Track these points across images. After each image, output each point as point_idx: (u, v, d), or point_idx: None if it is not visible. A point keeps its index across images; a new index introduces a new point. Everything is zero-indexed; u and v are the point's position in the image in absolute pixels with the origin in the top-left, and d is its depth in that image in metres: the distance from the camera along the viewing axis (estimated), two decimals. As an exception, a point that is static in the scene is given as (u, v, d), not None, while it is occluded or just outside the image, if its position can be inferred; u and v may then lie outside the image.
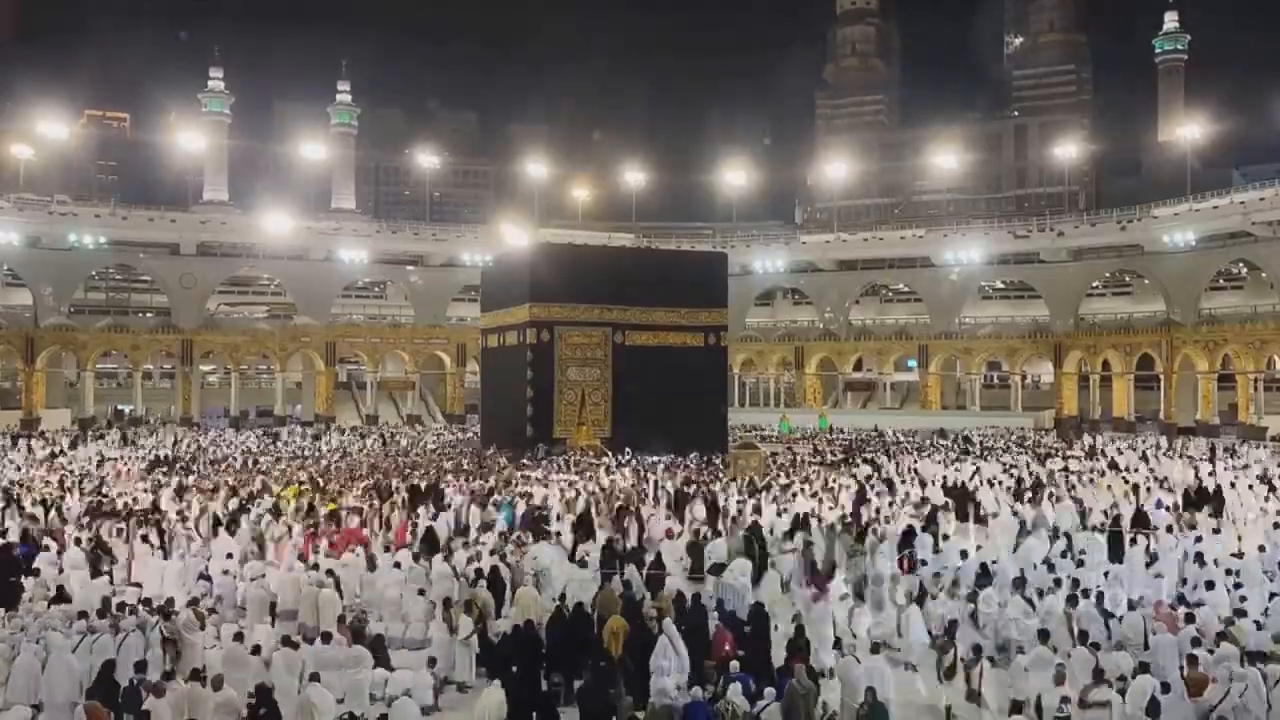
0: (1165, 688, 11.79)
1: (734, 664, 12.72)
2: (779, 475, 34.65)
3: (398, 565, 19.05)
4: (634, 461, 38.95)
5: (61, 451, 45.53)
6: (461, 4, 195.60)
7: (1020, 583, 17.12)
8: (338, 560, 19.47)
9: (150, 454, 44.07)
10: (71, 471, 36.68)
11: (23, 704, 12.05)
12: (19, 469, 38.32)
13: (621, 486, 30.90)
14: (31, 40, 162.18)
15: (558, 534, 23.48)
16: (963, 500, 27.99)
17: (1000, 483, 32.44)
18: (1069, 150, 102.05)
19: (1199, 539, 21.56)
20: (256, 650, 13.56)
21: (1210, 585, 16.82)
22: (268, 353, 72.99)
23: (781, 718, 11.45)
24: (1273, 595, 16.31)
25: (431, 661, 13.99)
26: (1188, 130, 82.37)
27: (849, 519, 24.47)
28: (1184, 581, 18.15)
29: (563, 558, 20.56)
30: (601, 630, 14.86)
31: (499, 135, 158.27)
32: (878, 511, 26.08)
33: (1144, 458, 42.76)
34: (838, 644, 14.80)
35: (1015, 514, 25.49)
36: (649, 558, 20.26)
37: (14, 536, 21.47)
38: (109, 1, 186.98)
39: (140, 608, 15.58)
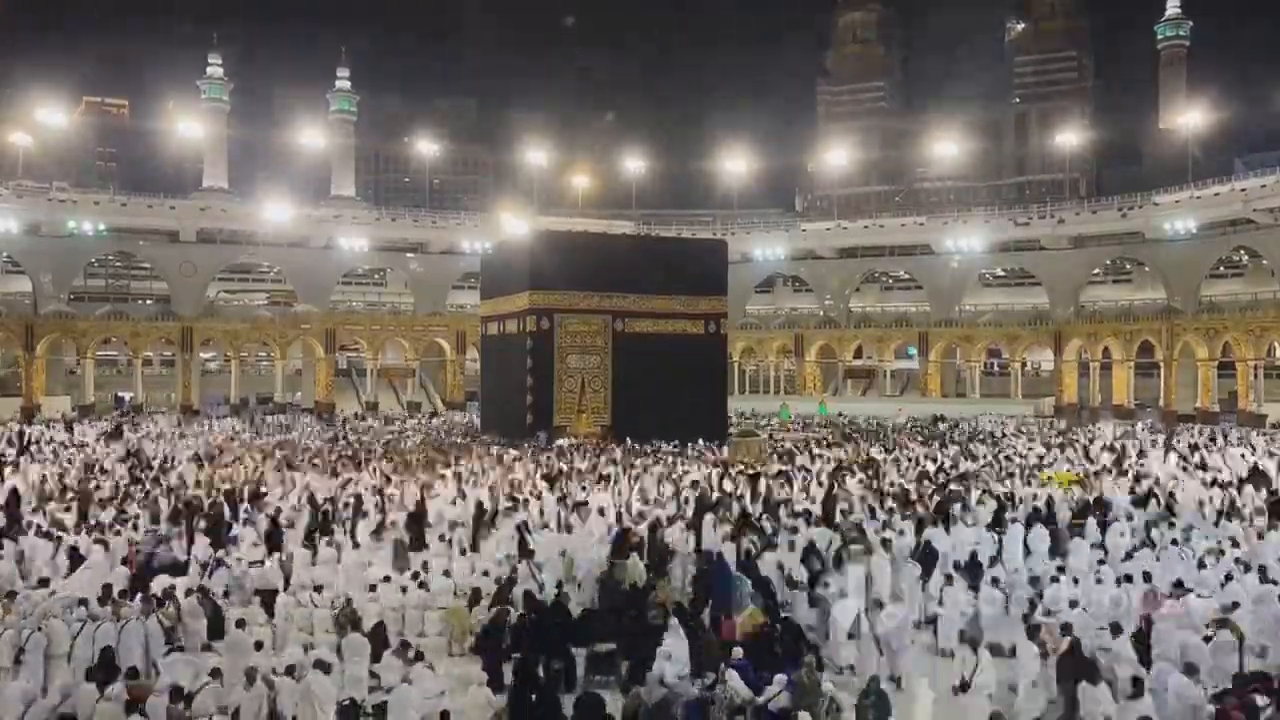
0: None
1: (737, 651, 12.75)
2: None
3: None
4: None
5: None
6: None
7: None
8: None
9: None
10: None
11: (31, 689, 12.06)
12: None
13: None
14: (30, 27, 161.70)
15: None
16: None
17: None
18: (1070, 137, 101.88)
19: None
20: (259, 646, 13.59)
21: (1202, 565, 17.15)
22: (267, 340, 72.97)
23: (791, 708, 11.45)
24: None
25: (420, 656, 13.82)
26: (1189, 118, 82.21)
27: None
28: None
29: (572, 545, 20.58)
30: (602, 618, 14.93)
31: (499, 122, 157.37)
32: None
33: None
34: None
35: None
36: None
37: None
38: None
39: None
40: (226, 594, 17.25)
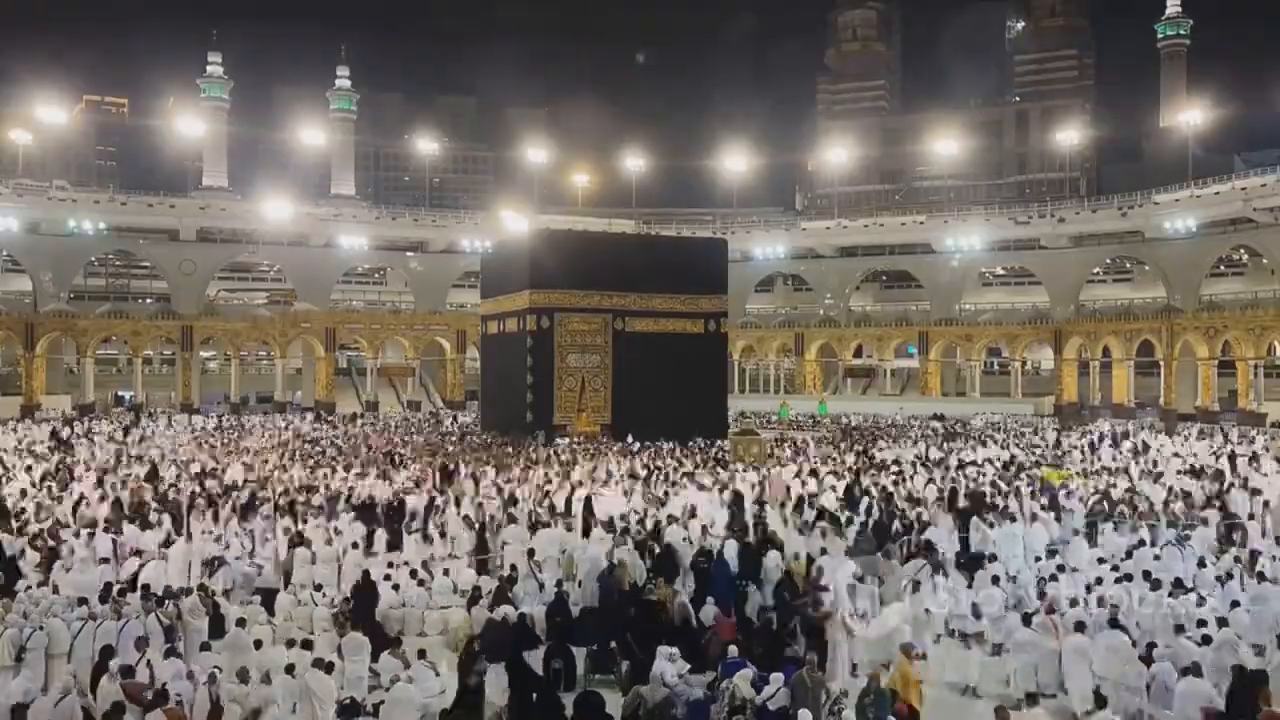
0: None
1: (732, 649, 12.75)
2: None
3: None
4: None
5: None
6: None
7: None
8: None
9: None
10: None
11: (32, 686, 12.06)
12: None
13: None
14: (30, 25, 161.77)
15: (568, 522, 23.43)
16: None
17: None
18: (1070, 136, 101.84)
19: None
20: (258, 645, 13.60)
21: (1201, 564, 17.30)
22: (268, 339, 72.94)
23: (790, 706, 11.44)
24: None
25: (422, 653, 13.89)
26: (1189, 116, 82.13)
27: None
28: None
29: (567, 542, 20.59)
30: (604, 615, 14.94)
31: (499, 120, 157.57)
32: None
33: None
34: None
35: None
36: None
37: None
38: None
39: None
40: (227, 593, 17.25)
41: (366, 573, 17.01)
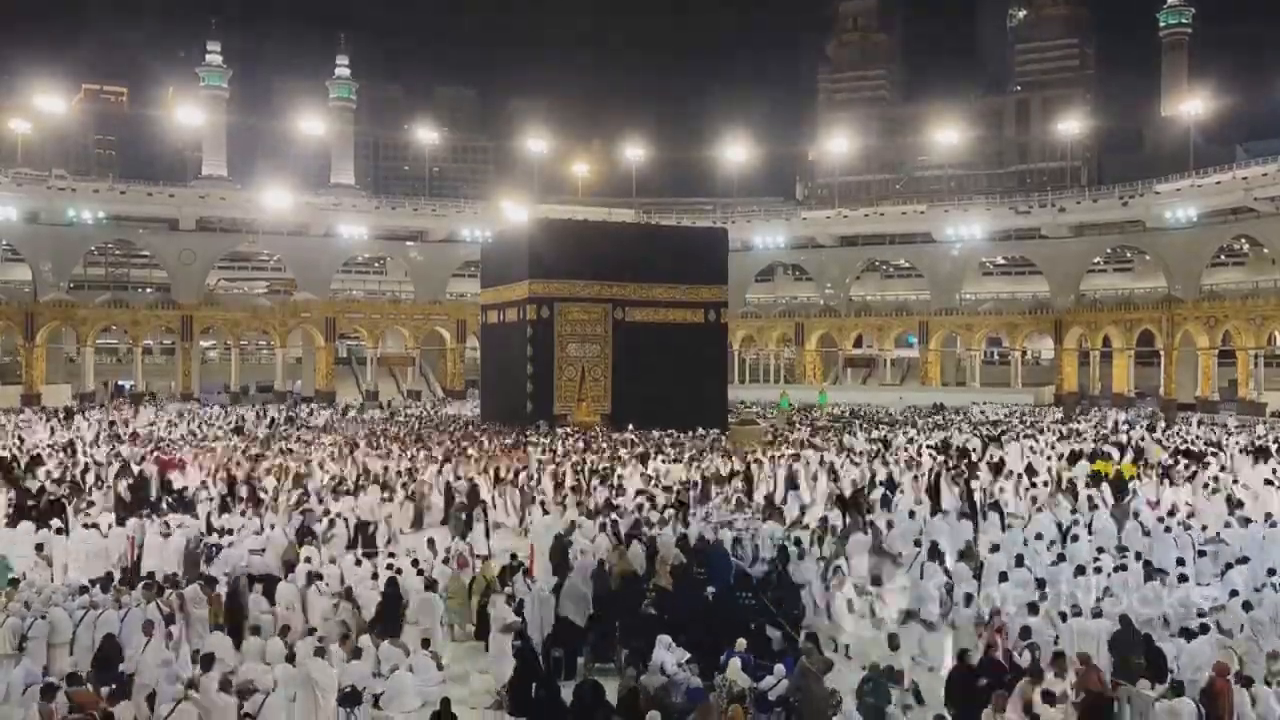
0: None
1: (739, 642, 12.76)
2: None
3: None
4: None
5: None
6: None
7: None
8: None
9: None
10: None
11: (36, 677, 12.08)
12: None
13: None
14: (29, 14, 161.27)
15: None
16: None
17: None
18: (1071, 125, 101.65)
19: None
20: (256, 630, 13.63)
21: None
22: (268, 328, 72.93)
23: (790, 698, 11.44)
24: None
25: (425, 643, 13.95)
26: (1191, 105, 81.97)
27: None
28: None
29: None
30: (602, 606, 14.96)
31: (499, 110, 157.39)
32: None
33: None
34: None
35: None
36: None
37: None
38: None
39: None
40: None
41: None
